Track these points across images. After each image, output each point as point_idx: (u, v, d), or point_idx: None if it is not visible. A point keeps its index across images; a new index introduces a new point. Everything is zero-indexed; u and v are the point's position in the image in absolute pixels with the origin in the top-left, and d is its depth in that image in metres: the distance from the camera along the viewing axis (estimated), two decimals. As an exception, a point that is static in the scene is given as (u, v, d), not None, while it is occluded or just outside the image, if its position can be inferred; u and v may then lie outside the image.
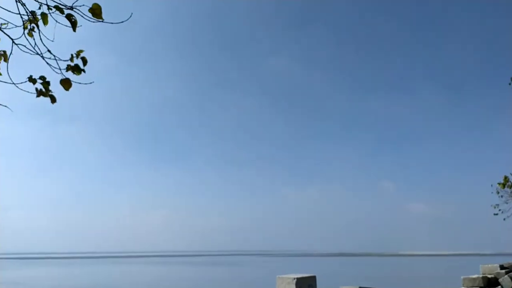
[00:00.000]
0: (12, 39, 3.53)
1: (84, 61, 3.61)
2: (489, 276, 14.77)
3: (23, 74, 3.67)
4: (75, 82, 3.65)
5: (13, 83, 3.69)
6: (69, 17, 3.41)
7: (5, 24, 3.52)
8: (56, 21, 3.43)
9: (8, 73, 3.65)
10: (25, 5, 3.46)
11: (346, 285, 13.57)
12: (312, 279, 9.36)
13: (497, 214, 12.45)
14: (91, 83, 3.75)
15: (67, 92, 3.70)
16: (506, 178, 12.22)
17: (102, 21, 3.45)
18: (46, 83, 3.68)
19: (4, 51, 3.59)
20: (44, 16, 3.44)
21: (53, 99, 3.75)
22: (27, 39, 3.53)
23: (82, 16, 3.39)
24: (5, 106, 4.23)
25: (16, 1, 3.45)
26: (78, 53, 3.60)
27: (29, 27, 3.50)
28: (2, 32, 3.53)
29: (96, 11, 3.38)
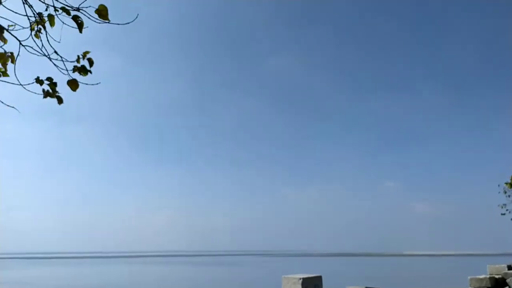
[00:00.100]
0: (19, 41, 3.55)
1: (91, 62, 3.63)
2: (497, 276, 14.66)
3: (31, 75, 3.69)
4: (82, 83, 3.66)
5: (21, 84, 3.71)
6: (75, 18, 3.42)
7: (12, 25, 3.53)
8: (63, 22, 3.44)
9: (15, 74, 3.67)
10: (32, 6, 3.48)
11: (351, 285, 13.53)
12: (318, 279, 9.33)
13: (504, 214, 12.38)
14: (97, 84, 3.76)
15: (73, 93, 3.71)
16: None
17: (109, 22, 3.46)
18: (53, 84, 3.69)
19: (12, 53, 3.61)
20: (50, 17, 3.46)
21: (60, 100, 3.76)
22: (34, 41, 3.54)
23: (88, 18, 3.40)
24: (13, 107, 4.26)
25: (23, 3, 3.47)
26: (84, 54, 3.61)
27: (36, 28, 3.52)
28: (9, 34, 3.55)
29: (102, 12, 3.39)
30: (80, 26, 3.43)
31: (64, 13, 3.43)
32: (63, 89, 3.71)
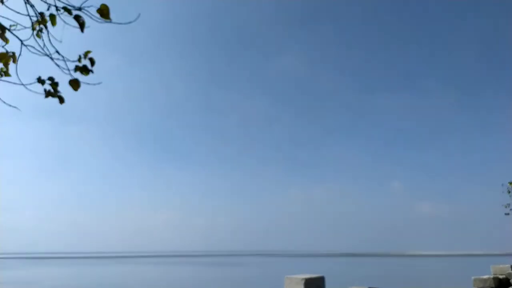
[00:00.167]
0: (21, 40, 3.55)
1: (92, 62, 3.62)
2: (500, 276, 14.60)
3: (32, 75, 3.68)
4: (83, 83, 3.66)
5: (22, 84, 3.71)
6: (77, 18, 3.42)
7: (14, 25, 3.53)
8: (65, 22, 3.44)
9: (17, 74, 3.67)
10: (33, 6, 3.48)
11: (354, 285, 13.49)
12: (321, 280, 9.31)
13: (508, 213, 12.32)
14: (99, 83, 3.76)
15: (73, 93, 3.71)
16: None
17: (110, 22, 3.45)
18: (54, 84, 3.69)
19: (13, 52, 3.61)
20: (52, 17, 3.45)
21: (62, 100, 3.76)
22: (36, 40, 3.54)
23: (90, 17, 3.39)
24: (15, 107, 4.26)
25: (25, 3, 3.47)
26: (85, 54, 3.60)
27: (37, 28, 3.52)
28: (11, 34, 3.55)
29: (104, 12, 3.38)
30: (82, 25, 3.43)
31: (65, 13, 3.42)
32: (64, 88, 3.71)
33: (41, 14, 3.48)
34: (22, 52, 3.59)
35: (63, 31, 3.50)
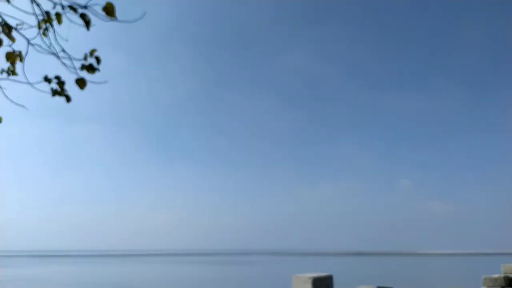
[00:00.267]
0: (27, 39, 3.56)
1: (98, 60, 3.62)
2: (511, 275, 14.44)
3: (39, 74, 3.70)
4: (89, 82, 3.66)
5: (29, 83, 3.73)
6: (83, 16, 3.42)
7: (20, 24, 3.55)
8: (71, 20, 3.44)
9: (24, 73, 3.68)
10: (40, 5, 3.49)
11: (362, 284, 13.43)
12: (329, 278, 9.27)
13: None
14: (105, 82, 3.76)
15: (78, 91, 3.72)
16: None
17: (116, 20, 3.45)
18: (61, 83, 3.70)
19: (20, 51, 3.62)
20: (58, 15, 3.46)
21: (68, 98, 3.77)
22: (42, 39, 3.55)
23: (95, 16, 3.39)
24: (22, 105, 4.28)
25: (31, 2, 3.48)
26: (91, 52, 3.60)
27: (43, 27, 3.52)
28: (18, 33, 3.56)
29: (109, 10, 3.38)
30: (87, 23, 3.43)
31: (71, 11, 3.43)
32: (70, 87, 3.72)
33: (47, 13, 3.49)
34: (28, 51, 3.60)
35: (69, 30, 3.51)
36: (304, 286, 8.99)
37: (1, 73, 3.73)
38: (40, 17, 3.51)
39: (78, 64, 3.59)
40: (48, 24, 3.52)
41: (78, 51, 3.63)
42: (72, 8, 3.42)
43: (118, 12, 3.43)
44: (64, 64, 3.61)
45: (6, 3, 3.54)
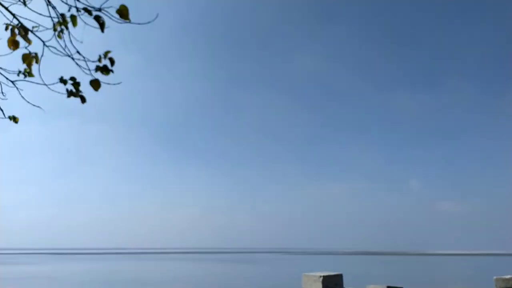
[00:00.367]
0: (43, 41, 3.63)
1: (112, 62, 3.67)
2: (523, 276, 14.27)
3: (54, 75, 3.77)
4: (104, 83, 3.72)
5: (45, 84, 3.80)
6: (97, 18, 3.47)
7: (36, 27, 3.62)
8: (85, 22, 3.50)
9: (40, 74, 3.76)
10: (55, 8, 3.55)
11: (372, 284, 13.38)
12: (339, 277, 9.26)
13: None
14: (119, 83, 3.81)
15: (92, 92, 3.78)
16: None
17: (129, 22, 3.50)
18: (76, 84, 3.77)
19: (36, 53, 3.69)
20: (73, 18, 3.52)
21: (83, 99, 3.84)
22: (57, 41, 3.62)
23: (109, 18, 3.45)
24: (38, 106, 4.37)
25: (47, 4, 3.55)
26: (105, 54, 3.66)
27: (58, 29, 3.59)
28: (33, 35, 3.63)
29: (123, 12, 3.43)
30: (102, 26, 3.49)
31: (86, 14, 3.49)
32: (85, 88, 3.78)
33: (62, 15, 3.55)
34: (44, 53, 3.67)
35: (83, 32, 3.57)
36: (314, 285, 9.00)
37: (18, 74, 3.81)
38: (56, 20, 3.57)
39: (92, 66, 3.65)
40: (63, 27, 3.58)
41: (93, 52, 3.69)
42: (87, 10, 3.47)
43: (130, 14, 3.48)
44: (78, 65, 3.67)
45: (22, 6, 3.61)
